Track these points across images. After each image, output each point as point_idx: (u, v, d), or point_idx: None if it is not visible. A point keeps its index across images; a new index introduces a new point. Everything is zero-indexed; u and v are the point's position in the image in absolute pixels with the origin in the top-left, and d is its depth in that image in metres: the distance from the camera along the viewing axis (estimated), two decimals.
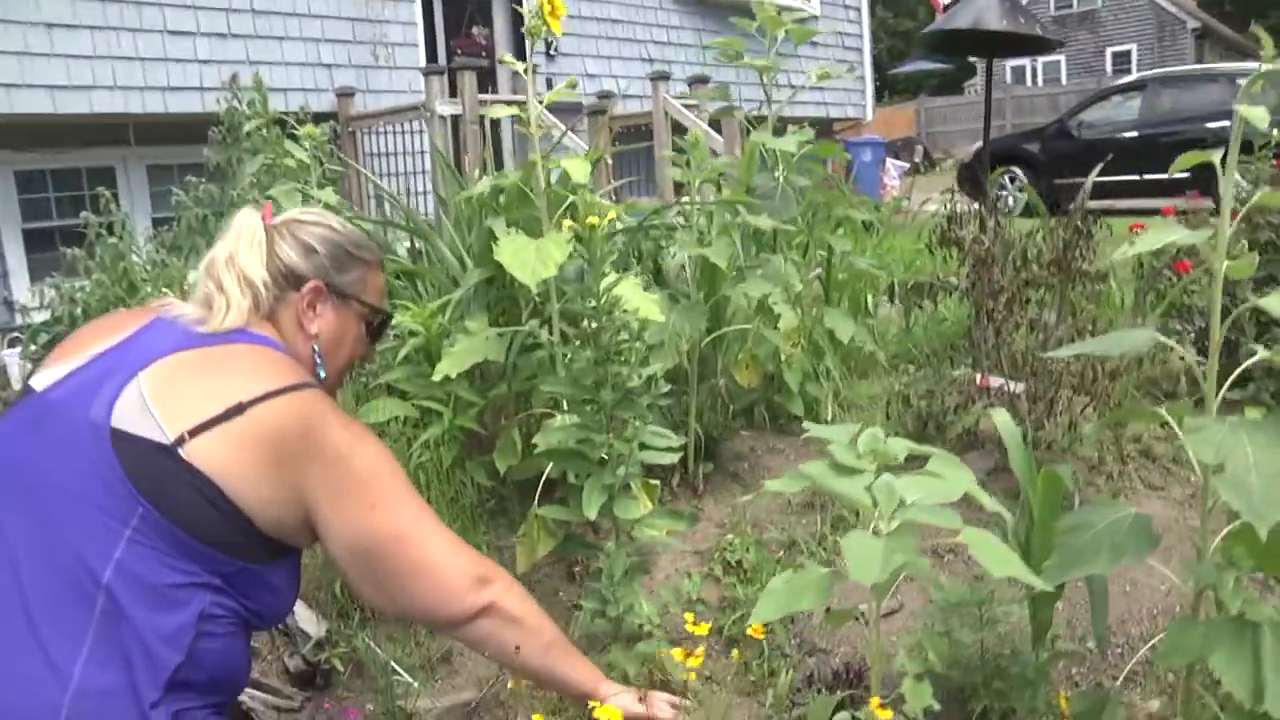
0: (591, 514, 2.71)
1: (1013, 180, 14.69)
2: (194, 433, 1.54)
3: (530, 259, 2.92)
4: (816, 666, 3.00)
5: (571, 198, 3.25)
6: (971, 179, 13.63)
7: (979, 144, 17.27)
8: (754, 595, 3.16)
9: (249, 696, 2.81)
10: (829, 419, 4.50)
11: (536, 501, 3.19)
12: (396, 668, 2.86)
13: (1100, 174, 11.12)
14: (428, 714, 2.84)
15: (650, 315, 2.91)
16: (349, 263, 1.94)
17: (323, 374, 1.87)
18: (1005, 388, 3.68)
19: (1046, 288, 3.62)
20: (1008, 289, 3.59)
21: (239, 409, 1.56)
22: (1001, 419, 2.63)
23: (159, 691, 1.51)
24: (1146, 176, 11.92)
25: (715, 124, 9.10)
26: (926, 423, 3.97)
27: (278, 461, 1.59)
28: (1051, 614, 2.68)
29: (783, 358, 4.27)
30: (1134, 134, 13.48)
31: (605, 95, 10.25)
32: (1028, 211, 11.28)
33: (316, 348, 1.88)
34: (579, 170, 3.04)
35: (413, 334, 3.55)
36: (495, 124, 9.19)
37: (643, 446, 2.82)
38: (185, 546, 1.54)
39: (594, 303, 2.74)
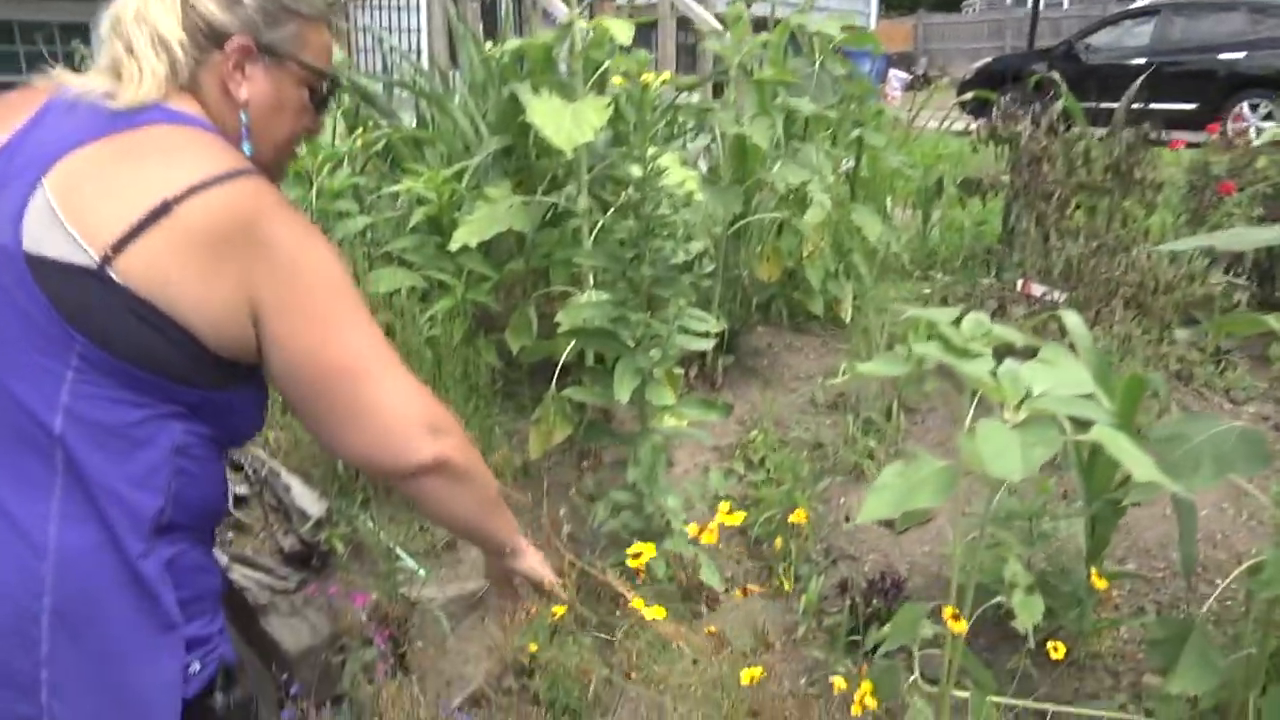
0: (624, 397, 2.49)
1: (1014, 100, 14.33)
2: (118, 247, 1.21)
3: (565, 123, 2.65)
4: (849, 574, 2.82)
5: (607, 62, 2.98)
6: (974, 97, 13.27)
7: (980, 62, 16.95)
8: (779, 495, 2.98)
9: (241, 575, 2.60)
10: (848, 320, 4.30)
11: (554, 385, 2.96)
12: (401, 553, 2.65)
13: (1105, 100, 10.85)
14: (431, 603, 2.65)
15: (694, 190, 2.66)
16: (282, 15, 1.49)
17: (248, 149, 1.47)
18: (1049, 295, 3.47)
19: (1102, 193, 3.38)
20: (1061, 190, 3.35)
21: (164, 208, 1.23)
22: (1073, 320, 2.42)
23: (143, 541, 1.30)
24: (1153, 106, 11.64)
25: (722, 23, 8.72)
26: None
27: (216, 268, 1.29)
28: (1110, 533, 2.50)
29: (805, 253, 4.05)
30: (1143, 61, 13.14)
31: None
32: None
33: (245, 117, 1.50)
34: (623, 31, 2.76)
35: (422, 201, 3.28)
36: (491, 6, 8.77)
37: (681, 330, 2.59)
38: (135, 380, 1.27)
39: (639, 170, 2.49)
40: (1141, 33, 13.85)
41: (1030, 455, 1.31)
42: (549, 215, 3.24)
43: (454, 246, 2.88)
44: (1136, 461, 1.40)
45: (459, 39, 4.01)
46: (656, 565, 2.62)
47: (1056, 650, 2.00)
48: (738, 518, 2.39)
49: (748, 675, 1.76)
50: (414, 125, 4.15)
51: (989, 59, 16.66)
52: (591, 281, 3.01)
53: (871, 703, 1.81)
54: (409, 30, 9.14)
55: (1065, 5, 28.28)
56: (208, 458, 1.39)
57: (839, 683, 2.10)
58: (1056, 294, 3.46)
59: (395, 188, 3.28)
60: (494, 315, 3.38)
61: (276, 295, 1.31)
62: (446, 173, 3.24)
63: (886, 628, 2.08)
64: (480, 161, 3.22)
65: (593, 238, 2.99)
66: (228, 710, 1.45)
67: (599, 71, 3.04)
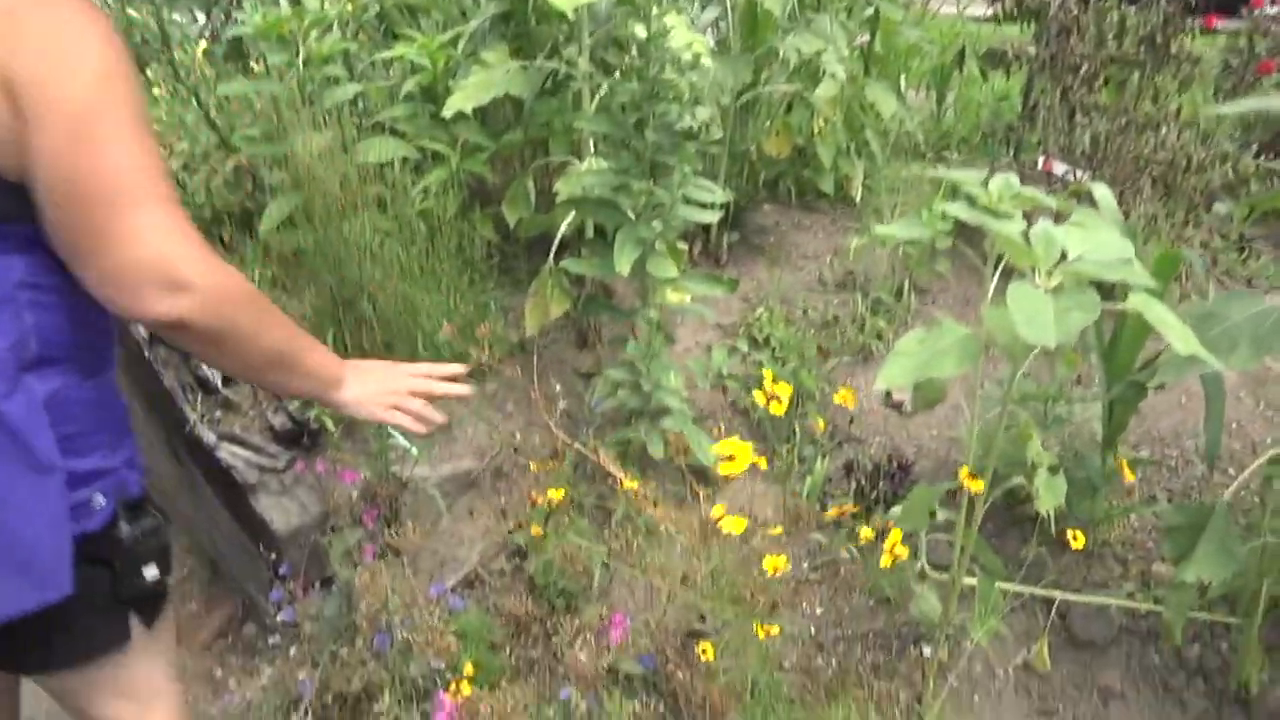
0: (625, 269, 2.37)
1: None
2: None
3: None
4: (855, 456, 2.74)
5: None
6: None
7: None
8: (785, 375, 2.87)
9: (230, 454, 2.52)
10: (858, 199, 4.15)
11: (551, 259, 2.83)
12: (393, 431, 2.56)
13: None
14: (425, 482, 2.57)
15: (702, 52, 2.49)
16: None
17: None
18: (1071, 174, 3.32)
19: (1134, 66, 3.20)
20: (1090, 63, 3.17)
21: None
22: (1101, 192, 2.28)
23: (4, 381, 1.18)
24: None
25: None
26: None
27: None
28: (1129, 418, 2.41)
29: (816, 129, 3.88)
30: None
31: None
32: None
33: None
34: None
35: (415, 69, 3.11)
36: None
37: (685, 200, 2.45)
38: None
39: (643, 30, 2.32)
40: None
41: (1066, 321, 1.20)
42: (548, 83, 3.07)
43: (448, 113, 2.72)
44: (1177, 333, 1.29)
45: None
46: (654, 445, 2.53)
47: (1076, 539, 1.92)
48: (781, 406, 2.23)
49: (771, 564, 1.67)
50: None
51: None
52: (592, 150, 2.86)
53: (903, 551, 1.72)
54: None
55: None
56: (65, 288, 1.24)
57: (865, 532, 2.03)
58: (1079, 173, 3.31)
59: (387, 54, 3.09)
60: (490, 189, 3.24)
61: (31, 91, 1.12)
62: (442, 38, 3.06)
63: (896, 509, 2.00)
64: (477, 26, 3.03)
65: (594, 104, 2.84)
66: (135, 540, 1.38)
67: None
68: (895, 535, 1.76)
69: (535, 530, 2.38)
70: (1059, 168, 3.31)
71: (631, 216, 2.46)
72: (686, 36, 2.55)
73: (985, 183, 1.54)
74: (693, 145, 2.42)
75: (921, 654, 2.34)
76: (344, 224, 2.77)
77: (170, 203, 1.22)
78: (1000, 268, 1.63)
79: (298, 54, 3.08)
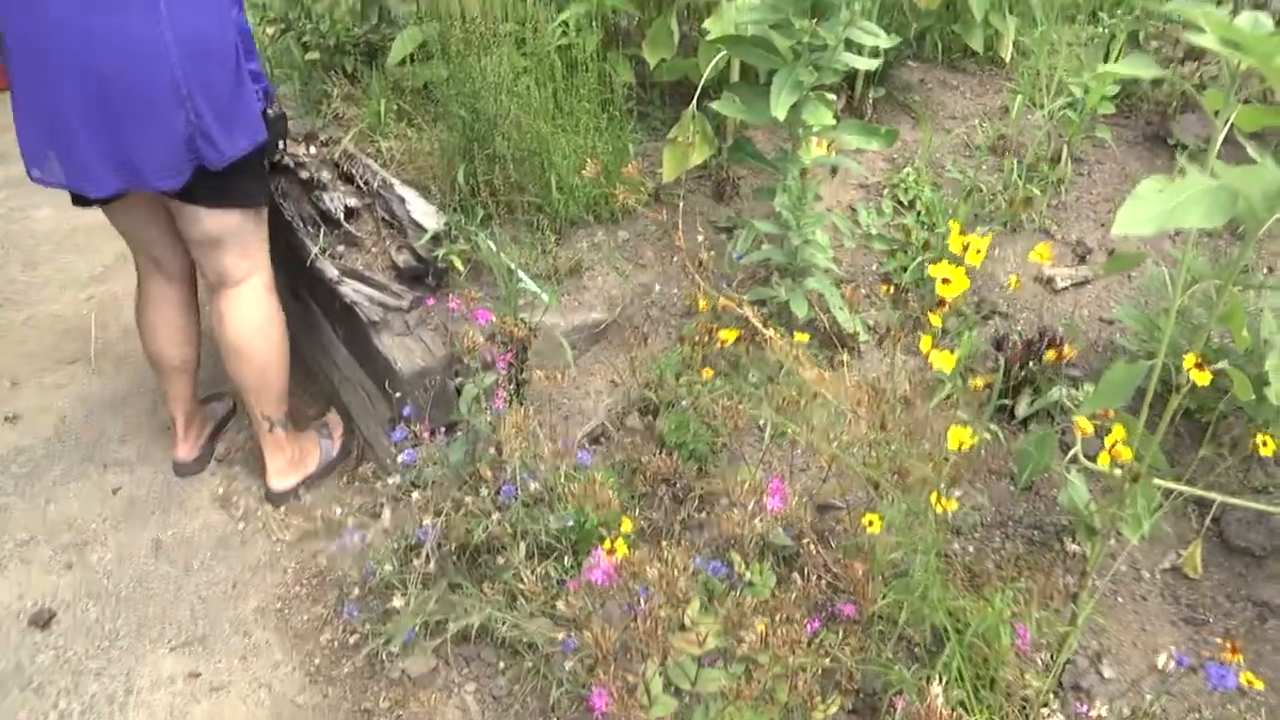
0: (781, 114, 2.21)
1: None
2: None
3: None
4: (1005, 329, 2.58)
5: None
6: None
7: None
8: (934, 240, 2.70)
9: (352, 290, 2.45)
10: (1008, 59, 3.88)
11: (694, 104, 2.67)
12: (523, 276, 2.46)
13: None
14: (554, 330, 2.47)
15: None
16: None
17: None
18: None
19: None
20: None
21: None
22: None
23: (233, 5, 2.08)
24: None
25: None
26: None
27: None
28: None
29: None
30: None
31: None
32: None
33: None
34: None
35: None
36: None
37: (847, 44, 2.26)
38: None
39: None
40: None
41: None
42: None
43: None
44: None
45: None
46: (798, 305, 2.40)
47: (1266, 444, 1.74)
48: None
49: (956, 438, 1.54)
50: None
51: None
52: None
53: (1124, 452, 1.56)
54: None
55: None
56: None
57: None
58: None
59: None
60: (629, 28, 3.06)
61: None
62: None
63: (1089, 389, 1.84)
64: None
65: None
66: (276, 120, 2.28)
67: None
68: (1118, 432, 1.60)
69: (677, 378, 2.28)
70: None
71: (788, 58, 2.28)
72: None
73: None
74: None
75: (1064, 548, 2.21)
76: (480, 58, 2.63)
77: None
78: (1229, 122, 1.44)
79: None
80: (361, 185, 2.76)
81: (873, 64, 2.36)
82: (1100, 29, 4.15)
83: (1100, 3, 4.78)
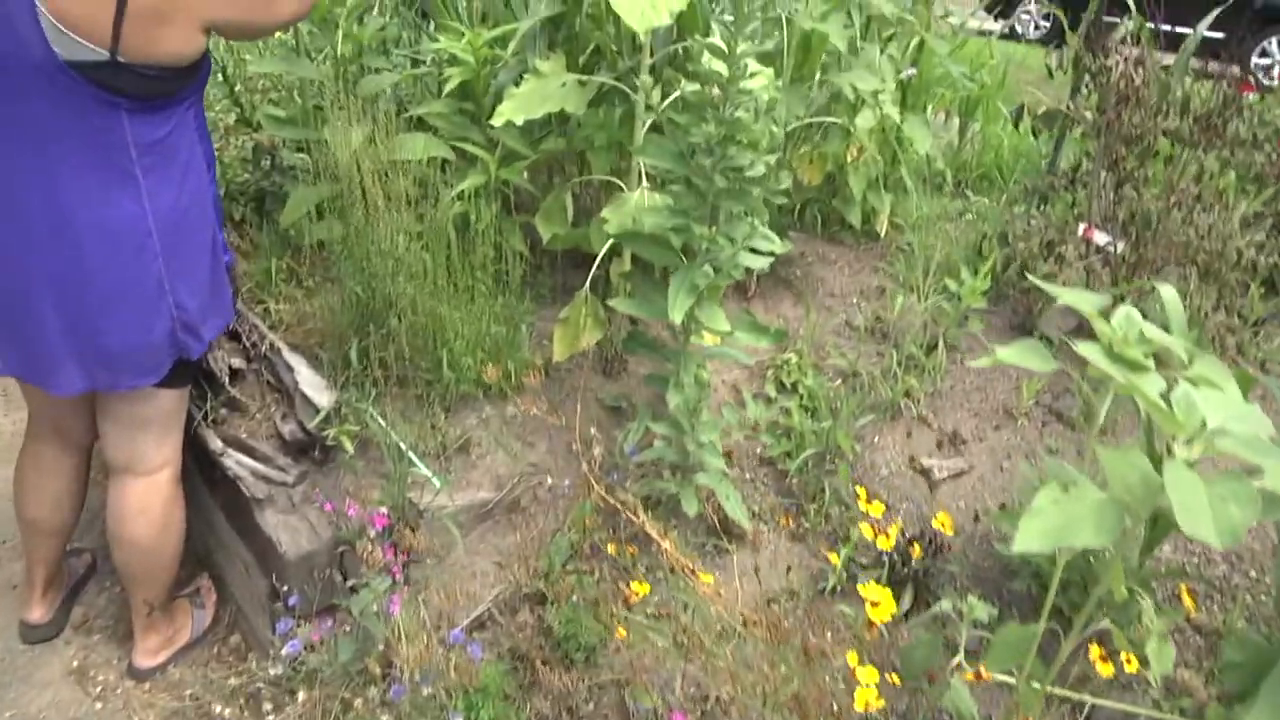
0: (678, 316, 2.26)
1: (1038, 3, 13.89)
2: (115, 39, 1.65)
3: (640, 2, 2.34)
4: (885, 522, 2.66)
5: None
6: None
7: None
8: (818, 430, 2.78)
9: (235, 463, 2.38)
10: (883, 234, 4.08)
11: (588, 285, 2.72)
12: (414, 458, 2.44)
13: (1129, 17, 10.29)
14: (441, 512, 2.45)
15: (776, 96, 2.38)
16: None
17: None
18: (1113, 245, 3.25)
19: (1190, 145, 3.13)
20: (1146, 135, 3.10)
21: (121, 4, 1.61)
22: (1169, 295, 2.19)
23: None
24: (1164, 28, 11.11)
25: None
26: (1009, 264, 3.55)
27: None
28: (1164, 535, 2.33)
29: (850, 159, 3.78)
30: None
31: None
32: (1047, 40, 10.59)
33: None
34: None
35: (456, 62, 2.94)
36: None
37: (748, 250, 2.35)
38: (154, 107, 1.80)
39: (723, 68, 2.21)
40: None
41: (1227, 516, 1.11)
42: (610, 97, 2.95)
43: (497, 122, 2.59)
44: None
45: None
46: (689, 503, 2.44)
47: (1130, 662, 1.83)
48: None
49: (862, 698, 1.58)
50: None
51: None
52: (640, 175, 2.74)
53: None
54: None
55: None
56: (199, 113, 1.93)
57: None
58: (1119, 245, 3.24)
59: (431, 46, 2.94)
60: (522, 195, 3.11)
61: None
62: (488, 35, 2.91)
63: (943, 604, 1.91)
64: (530, 28, 2.89)
65: (646, 126, 2.72)
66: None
67: None
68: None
69: (554, 575, 2.28)
70: (1100, 237, 3.24)
71: (684, 259, 2.36)
72: (762, 78, 2.45)
73: (1105, 314, 1.45)
74: (760, 192, 2.31)
75: None
76: (373, 224, 2.63)
77: None
78: (1109, 402, 1.54)
79: (337, 33, 2.93)
80: (248, 346, 2.71)
81: (765, 262, 2.45)
82: (969, 212, 4.40)
83: (965, 174, 5.08)
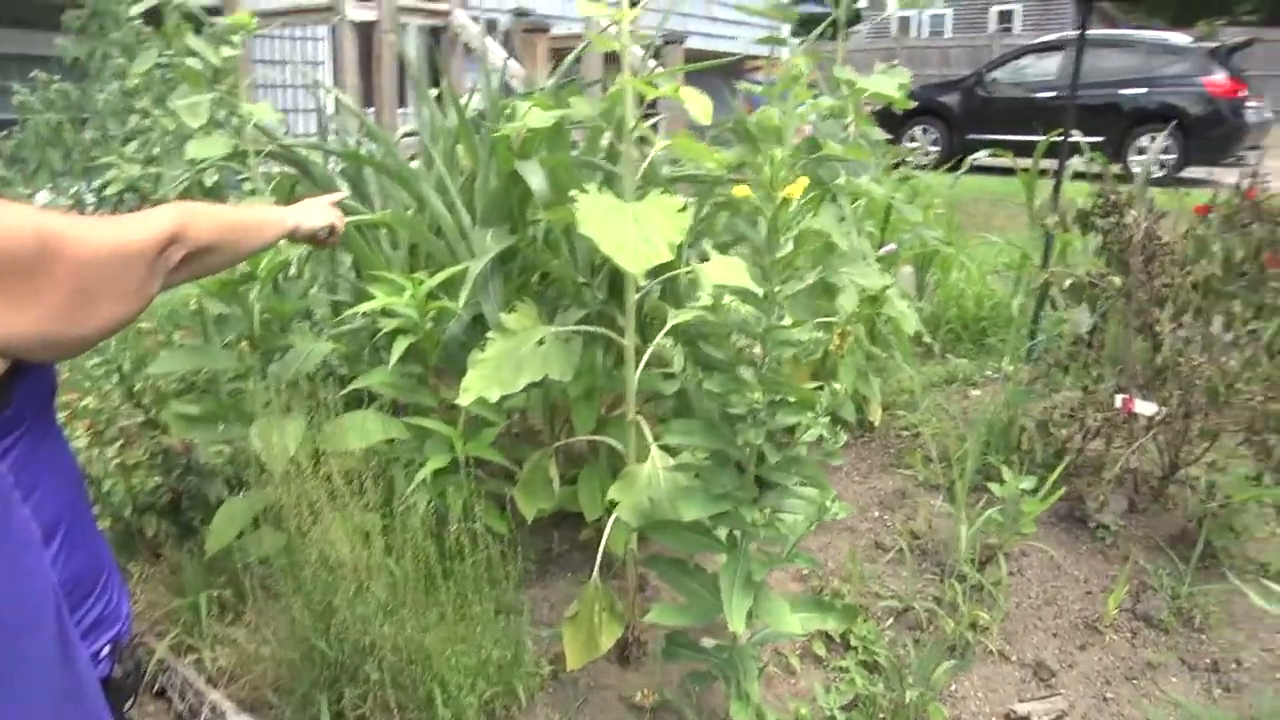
0: (740, 625, 1.78)
1: (925, 132, 14.12)
2: None
3: (630, 237, 1.90)
4: None
5: (661, 144, 2.27)
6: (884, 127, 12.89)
7: None
8: (893, 699, 2.28)
9: None
10: (876, 422, 3.69)
11: (597, 574, 2.22)
12: None
13: (1011, 133, 10.46)
14: None
15: (805, 334, 1.93)
16: None
17: None
18: (1159, 415, 2.88)
19: (1228, 296, 2.80)
20: (1178, 293, 2.77)
21: None
22: None
23: None
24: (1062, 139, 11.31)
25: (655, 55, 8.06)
26: (1045, 449, 3.16)
27: None
28: None
29: (833, 345, 3.41)
30: (1050, 95, 12.96)
31: (522, 13, 9.03)
32: (940, 164, 10.64)
33: None
34: (700, 108, 2.05)
35: (389, 315, 2.46)
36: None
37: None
38: None
39: (764, 319, 1.80)
40: (1047, 67, 13.78)
41: None
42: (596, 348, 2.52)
43: (465, 400, 2.10)
44: None
45: (417, 89, 3.23)
46: None
47: None
48: None
49: None
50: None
51: None
52: (638, 428, 2.27)
53: None
54: (313, 63, 8.25)
55: (948, 34, 28.42)
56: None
57: None
58: (1161, 411, 2.87)
59: (363, 307, 2.44)
60: (494, 465, 2.61)
61: None
62: (430, 282, 2.45)
63: None
64: (482, 269, 2.44)
65: (639, 371, 2.27)
66: (125, 677, 1.44)
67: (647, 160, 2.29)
68: None
69: None
70: (1144, 407, 2.86)
71: (730, 545, 1.89)
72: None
73: None
74: (816, 456, 1.87)
75: None
76: (324, 534, 2.11)
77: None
78: None
79: (251, 310, 2.46)
80: (181, 710, 2.15)
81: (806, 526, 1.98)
82: (957, 378, 4.04)
83: (935, 333, 4.75)
